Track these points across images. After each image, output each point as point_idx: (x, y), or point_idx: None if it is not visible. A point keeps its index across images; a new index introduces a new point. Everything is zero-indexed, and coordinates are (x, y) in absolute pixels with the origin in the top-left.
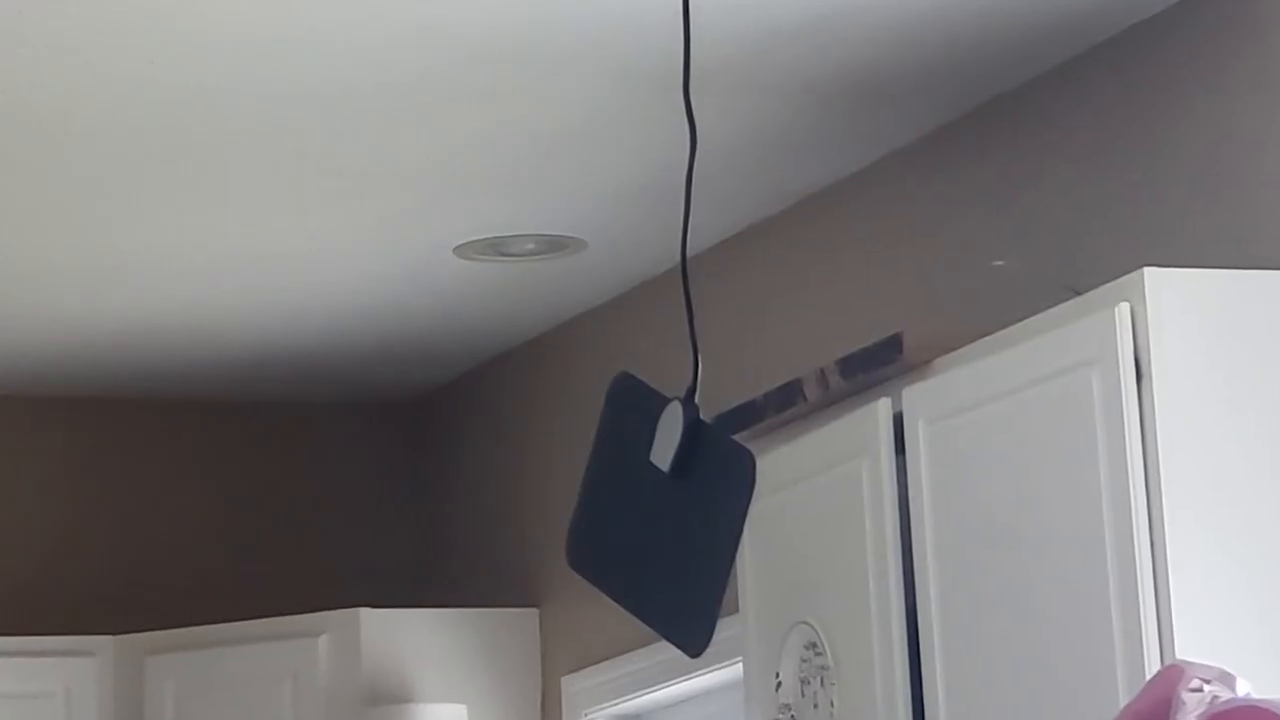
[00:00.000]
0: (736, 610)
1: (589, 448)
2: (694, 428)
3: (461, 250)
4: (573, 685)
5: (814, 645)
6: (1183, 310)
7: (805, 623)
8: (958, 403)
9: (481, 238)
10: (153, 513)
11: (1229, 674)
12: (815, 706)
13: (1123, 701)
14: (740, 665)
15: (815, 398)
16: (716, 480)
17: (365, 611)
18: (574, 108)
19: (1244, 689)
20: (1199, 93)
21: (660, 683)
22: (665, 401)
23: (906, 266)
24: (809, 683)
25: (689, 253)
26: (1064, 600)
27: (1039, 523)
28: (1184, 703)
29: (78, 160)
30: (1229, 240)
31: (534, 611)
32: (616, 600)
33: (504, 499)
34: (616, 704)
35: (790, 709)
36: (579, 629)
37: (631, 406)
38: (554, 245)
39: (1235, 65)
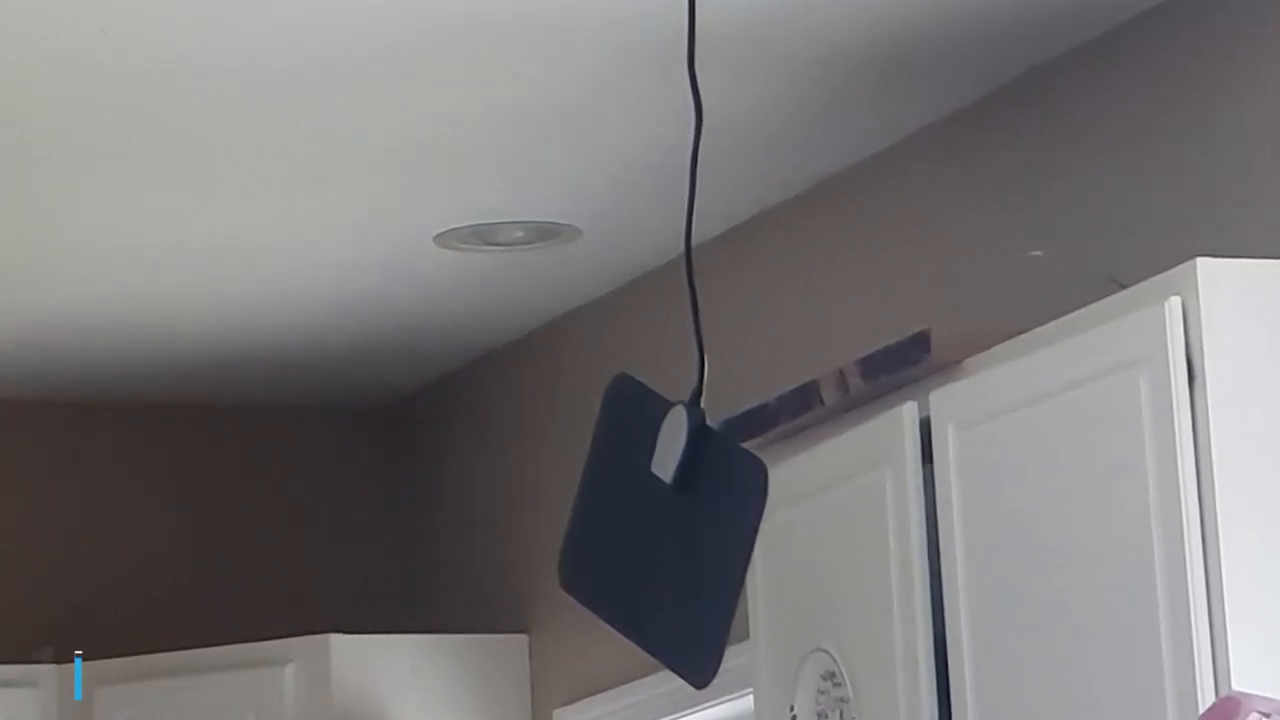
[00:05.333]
0: (746, 636)
1: (584, 456)
2: (699, 434)
3: (444, 239)
4: None
5: (832, 675)
6: (1239, 305)
7: (822, 650)
8: (990, 407)
9: (466, 225)
10: (103, 528)
11: None
12: None
13: None
14: (751, 697)
15: (833, 401)
16: (724, 492)
17: (336, 638)
18: (567, 83)
19: None
20: (1258, 64)
21: (663, 717)
22: (668, 405)
23: (934, 257)
24: (826, 716)
25: (694, 242)
26: (1108, 625)
27: (1080, 539)
28: None
29: (17, 140)
30: None
31: (523, 638)
32: (614, 625)
33: (491, 513)
34: None
35: None
36: (573, 657)
37: (631, 411)
38: (545, 233)
39: None
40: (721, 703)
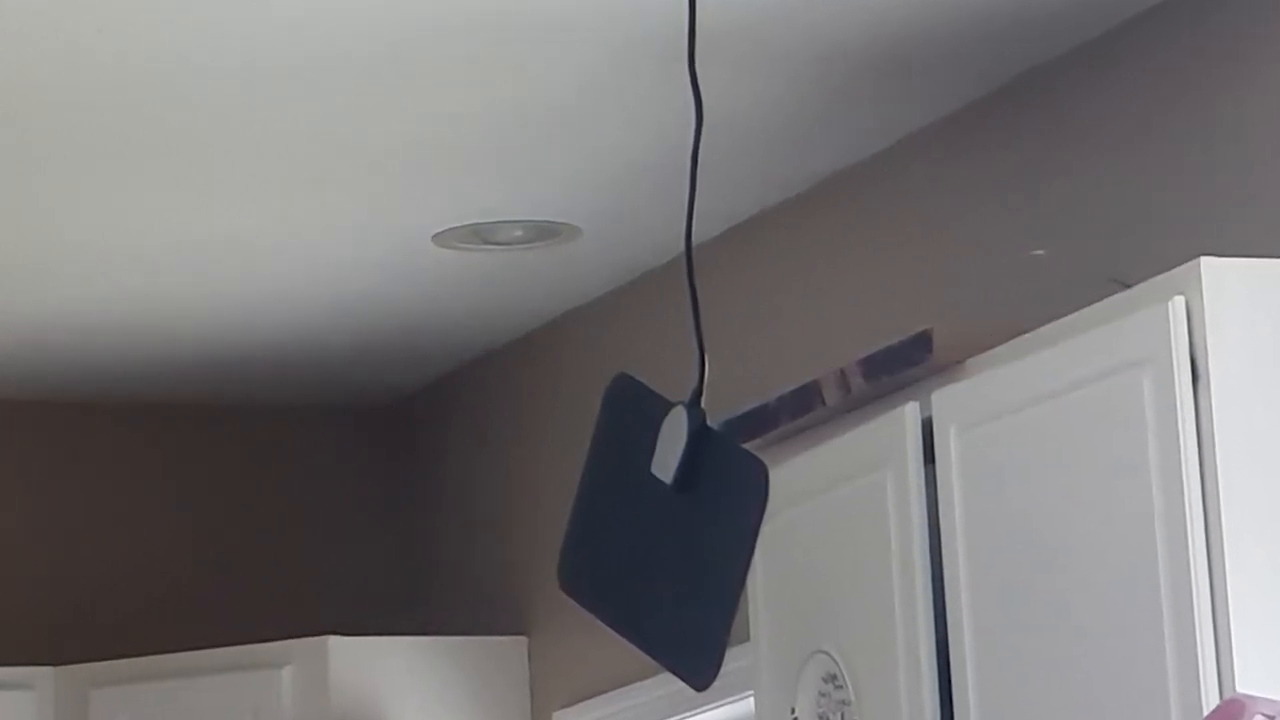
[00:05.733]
0: (747, 638)
1: (584, 457)
2: (699, 435)
3: (442, 238)
4: None
5: (834, 677)
6: (1244, 305)
7: (823, 652)
8: (993, 407)
9: (464, 224)
10: (101, 529)
11: None
12: None
13: None
14: (751, 700)
15: (834, 401)
16: (725, 493)
17: (334, 640)
18: (567, 82)
19: None
20: (1259, 63)
21: (663, 719)
22: (668, 406)
23: (935, 257)
24: (828, 719)
25: (694, 241)
26: (1112, 628)
27: (1083, 540)
28: None
29: (17, 140)
30: None
31: (523, 640)
32: (614, 627)
33: (490, 514)
34: None
35: None
36: (573, 659)
37: (631, 411)
38: (544, 232)
39: None
40: (722, 705)
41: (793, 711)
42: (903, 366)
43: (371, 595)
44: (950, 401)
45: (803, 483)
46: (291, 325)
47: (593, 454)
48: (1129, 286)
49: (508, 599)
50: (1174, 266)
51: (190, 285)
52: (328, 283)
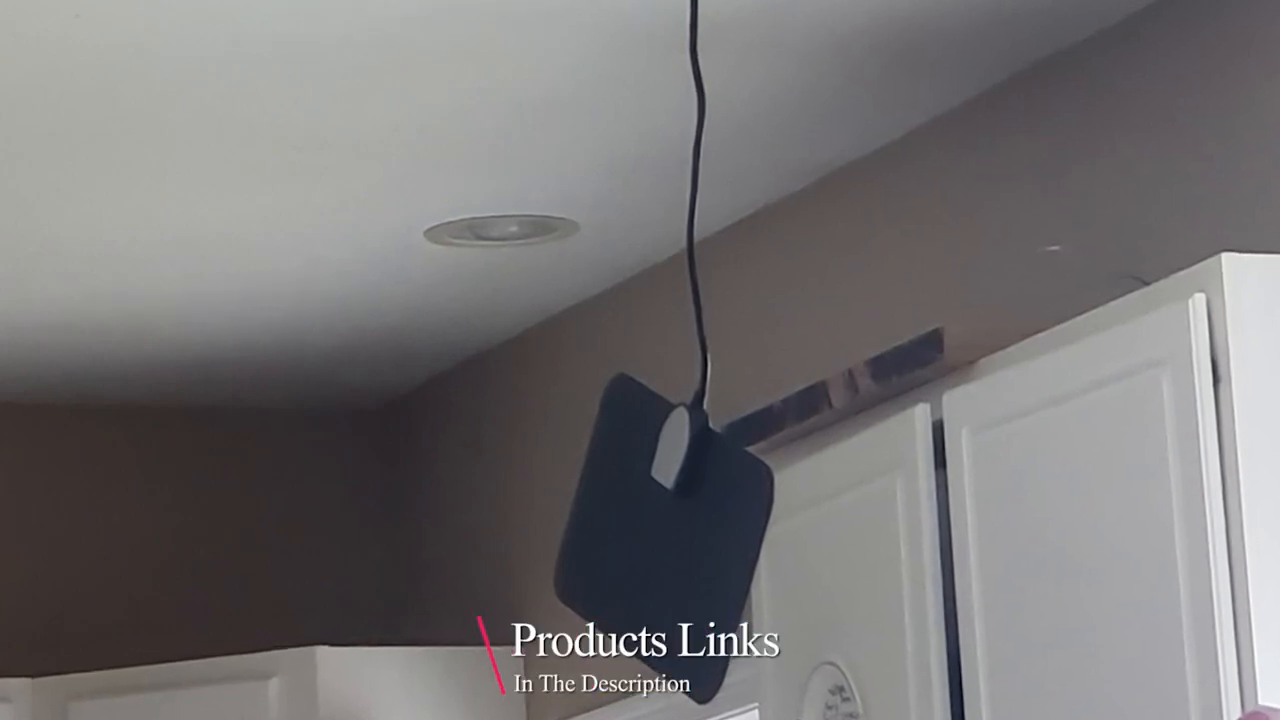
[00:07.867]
0: None
1: (582, 461)
2: (702, 438)
3: (435, 233)
4: None
5: (841, 689)
6: (1266, 302)
7: (830, 663)
8: (1006, 409)
9: (458, 219)
10: (81, 535)
11: None
12: None
13: None
14: (756, 712)
15: (842, 403)
16: (728, 498)
17: (323, 650)
18: (564, 71)
19: None
20: None
21: None
22: (669, 408)
23: (947, 253)
24: None
25: (696, 236)
26: (1130, 637)
27: (1100, 546)
28: None
29: None
30: None
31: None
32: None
33: (484, 519)
34: None
35: None
36: (570, 670)
37: (630, 413)
38: (540, 228)
39: None
40: (726, 718)
41: None
42: (913, 367)
43: (361, 603)
44: (962, 403)
45: (809, 487)
46: (279, 324)
47: (591, 457)
48: (1147, 283)
49: (502, 606)
50: (1194, 263)
51: (173, 283)
52: (316, 280)
